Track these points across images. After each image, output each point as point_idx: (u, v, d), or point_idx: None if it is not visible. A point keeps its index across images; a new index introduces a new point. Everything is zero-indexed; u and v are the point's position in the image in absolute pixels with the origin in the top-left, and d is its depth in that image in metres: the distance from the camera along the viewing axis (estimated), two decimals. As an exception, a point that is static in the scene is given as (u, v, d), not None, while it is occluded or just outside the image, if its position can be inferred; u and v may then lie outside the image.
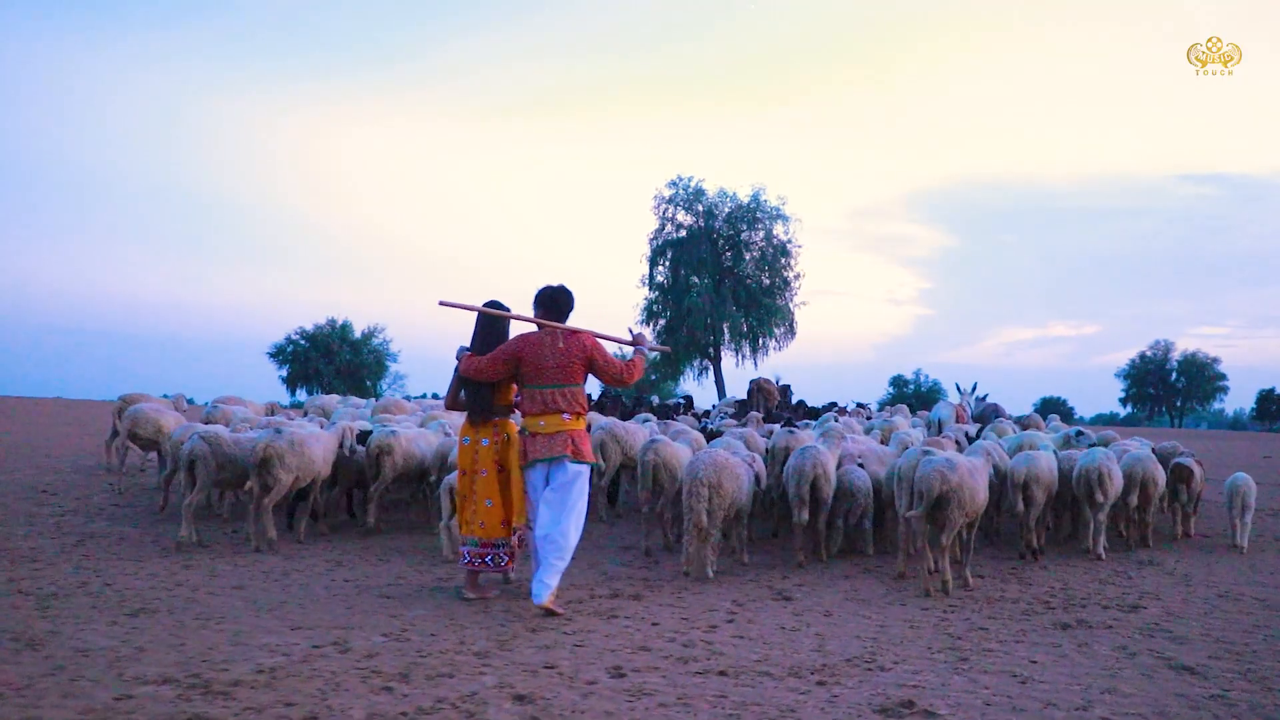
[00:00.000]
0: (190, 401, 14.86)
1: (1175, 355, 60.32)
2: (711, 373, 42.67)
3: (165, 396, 13.19)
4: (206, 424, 10.24)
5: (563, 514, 6.16)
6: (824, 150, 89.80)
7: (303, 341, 52.68)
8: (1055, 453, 9.35)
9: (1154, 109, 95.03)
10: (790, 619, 5.97)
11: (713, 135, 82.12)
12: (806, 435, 9.62)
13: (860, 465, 8.69)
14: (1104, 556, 8.49)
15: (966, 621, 5.99)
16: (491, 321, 6.57)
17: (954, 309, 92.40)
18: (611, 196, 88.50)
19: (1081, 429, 12.44)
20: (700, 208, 41.75)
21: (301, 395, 50.33)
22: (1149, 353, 60.78)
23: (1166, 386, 60.36)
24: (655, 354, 7.94)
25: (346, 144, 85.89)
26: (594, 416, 11.76)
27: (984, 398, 18.28)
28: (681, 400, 21.95)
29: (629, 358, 6.67)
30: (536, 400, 6.27)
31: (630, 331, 6.76)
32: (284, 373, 52.77)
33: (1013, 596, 6.79)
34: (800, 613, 6.15)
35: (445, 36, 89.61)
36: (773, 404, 22.35)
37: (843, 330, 77.33)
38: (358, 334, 53.86)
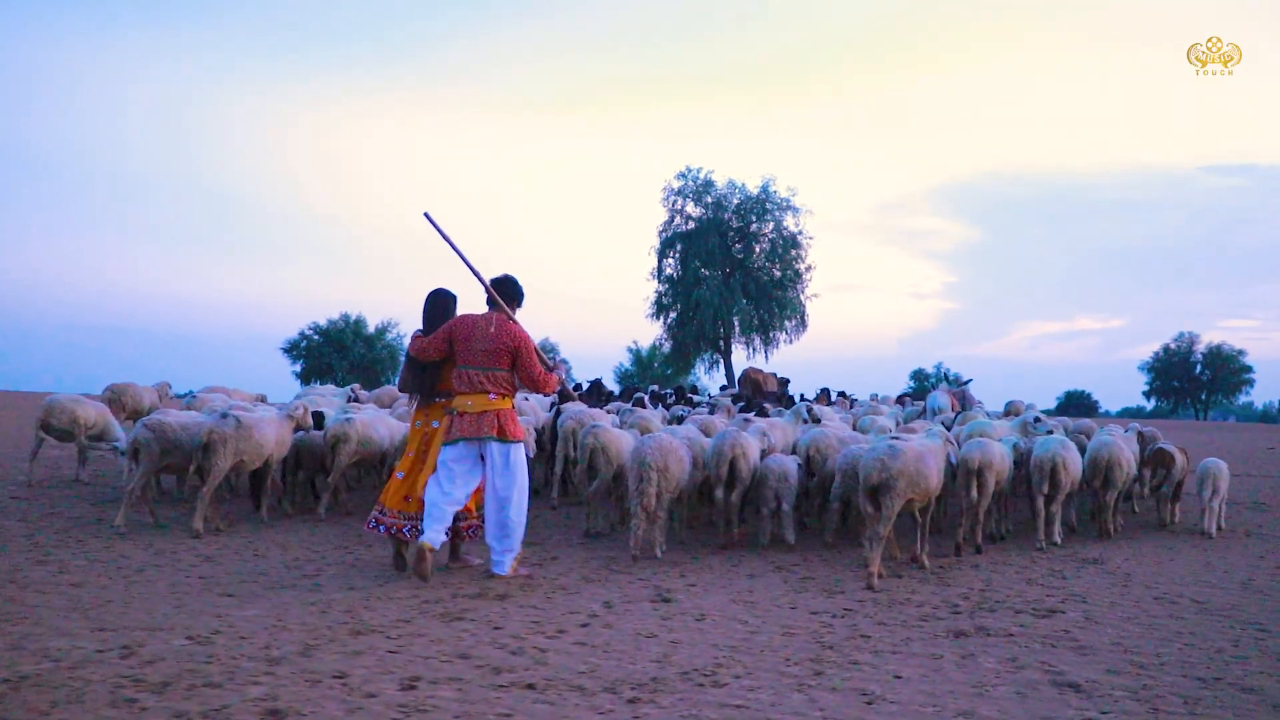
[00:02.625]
0: (191, 395, 14.63)
1: (1200, 348, 58.72)
2: (722, 365, 42.05)
3: (152, 385, 13.47)
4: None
5: (508, 495, 6.43)
6: (848, 145, 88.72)
7: (316, 337, 52.61)
8: (1018, 441, 9.14)
9: (1181, 100, 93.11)
10: (655, 624, 5.39)
11: (733, 131, 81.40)
12: (720, 420, 10.33)
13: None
14: (1059, 543, 8.38)
15: (851, 628, 5.37)
16: (437, 305, 6.91)
17: (979, 302, 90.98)
18: (627, 191, 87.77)
19: (1039, 416, 11.84)
20: (709, 199, 41.09)
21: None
22: (1173, 345, 59.24)
23: (1191, 379, 58.70)
24: (558, 384, 8.09)
25: (361, 139, 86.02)
26: (571, 407, 11.52)
27: (966, 383, 17.72)
28: (671, 391, 21.55)
29: (549, 374, 6.76)
30: (464, 380, 6.50)
31: (558, 360, 7.15)
32: (297, 368, 52.71)
33: (920, 599, 6.15)
34: (670, 617, 5.57)
35: (459, 33, 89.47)
36: (765, 391, 21.97)
37: (867, 325, 76.32)
38: (371, 329, 53.70)
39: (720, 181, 41.22)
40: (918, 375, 60.24)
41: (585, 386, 18.98)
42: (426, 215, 6.68)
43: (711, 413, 14.51)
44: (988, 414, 13.45)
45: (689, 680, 4.33)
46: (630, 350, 57.80)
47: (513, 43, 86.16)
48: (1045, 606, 5.98)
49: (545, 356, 6.82)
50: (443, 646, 4.79)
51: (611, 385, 23.05)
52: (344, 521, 8.90)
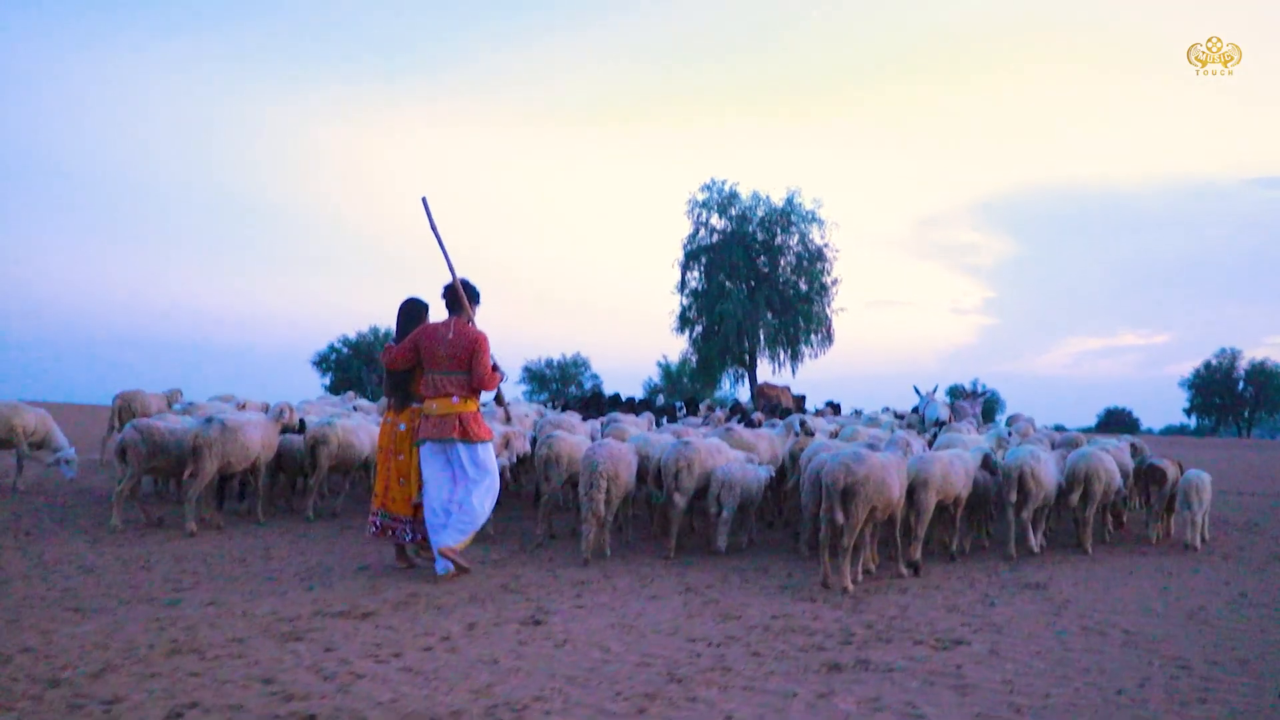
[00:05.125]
0: (189, 404, 14.65)
1: (1243, 364, 56.68)
2: (747, 380, 41.45)
3: (163, 392, 13.64)
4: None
5: (472, 487, 6.81)
6: (887, 159, 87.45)
7: (345, 350, 52.88)
8: (992, 453, 8.82)
9: (1228, 111, 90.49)
10: (506, 649, 4.95)
11: (768, 145, 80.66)
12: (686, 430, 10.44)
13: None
14: (1037, 551, 8.39)
15: (718, 659, 4.89)
16: (409, 315, 7.29)
17: (1019, 318, 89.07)
18: (658, 202, 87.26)
19: (1012, 429, 11.32)
20: (734, 212, 40.59)
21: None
22: (1214, 361, 57.29)
23: (1233, 396, 56.69)
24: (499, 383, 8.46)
25: (389, 150, 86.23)
26: (564, 417, 12.35)
27: (982, 395, 17.19)
28: (681, 403, 21.32)
29: (495, 373, 7.07)
30: (429, 384, 6.88)
31: (500, 367, 7.18)
32: (327, 381, 52.99)
33: (819, 626, 5.64)
34: (529, 641, 5.13)
35: (485, 45, 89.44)
36: (781, 404, 21.71)
37: (907, 340, 75.00)
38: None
39: (745, 194, 40.73)
40: (954, 392, 59.02)
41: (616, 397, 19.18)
42: (424, 201, 7.07)
43: (704, 424, 14.40)
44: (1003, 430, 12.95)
45: (491, 715, 3.91)
46: (660, 364, 57.38)
47: (540, 55, 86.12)
48: (952, 637, 5.44)
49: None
50: (254, 670, 4.42)
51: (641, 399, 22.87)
52: (273, 524, 8.62)
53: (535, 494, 10.11)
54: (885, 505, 6.84)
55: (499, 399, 9.72)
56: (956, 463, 7.96)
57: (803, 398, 24.03)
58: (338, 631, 5.20)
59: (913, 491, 7.45)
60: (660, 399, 23.50)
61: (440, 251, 7.04)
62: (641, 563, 7.62)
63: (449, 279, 7.05)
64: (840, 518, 6.58)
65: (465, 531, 6.83)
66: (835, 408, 19.69)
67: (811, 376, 40.76)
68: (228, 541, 8.03)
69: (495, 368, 7.04)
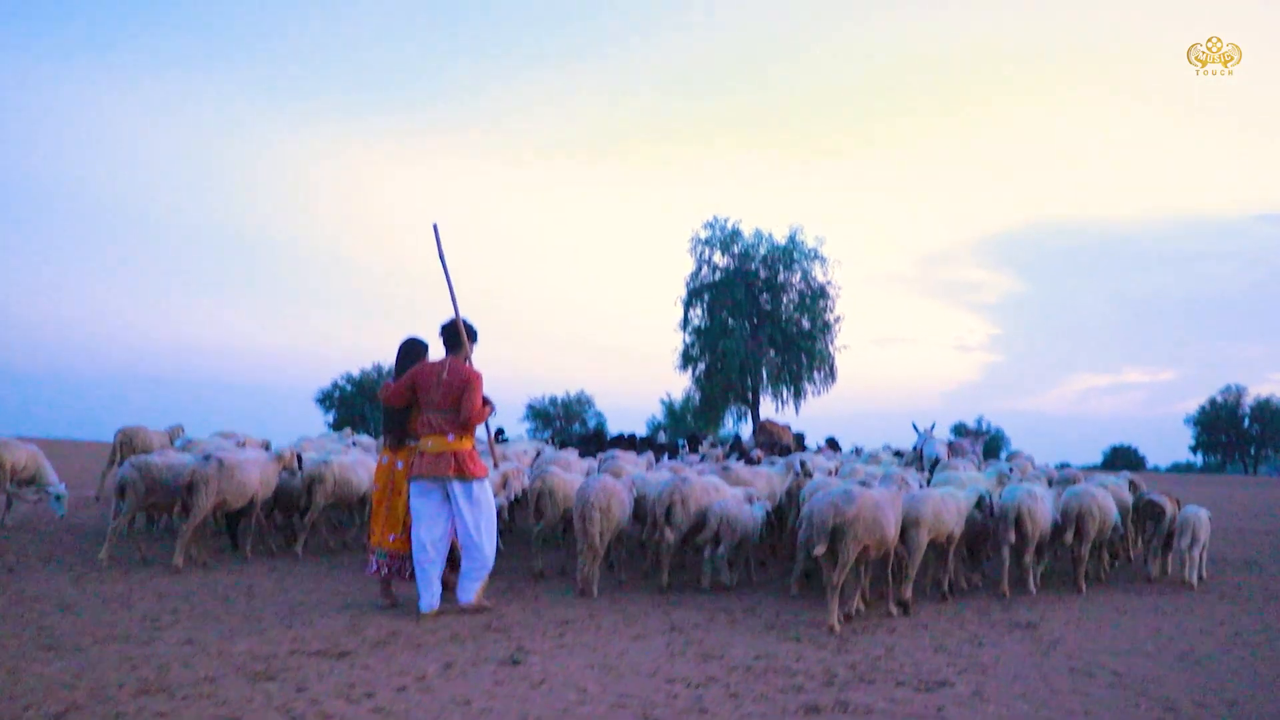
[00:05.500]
0: (187, 440, 14.62)
1: (1248, 400, 56.37)
2: (750, 417, 41.35)
3: (165, 429, 13.52)
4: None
5: (474, 528, 6.85)
6: (890, 196, 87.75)
7: (349, 387, 52.96)
8: (988, 494, 8.68)
9: (1230, 147, 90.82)
10: (481, 690, 4.88)
11: (770, 181, 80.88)
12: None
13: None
14: (1033, 591, 8.31)
15: (695, 700, 4.80)
16: (408, 354, 7.37)
17: (1024, 355, 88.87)
18: (660, 239, 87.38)
19: (1012, 466, 11.25)
20: (737, 249, 40.73)
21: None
22: (1220, 398, 56.98)
23: (1239, 433, 56.32)
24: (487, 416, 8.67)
25: (390, 186, 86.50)
26: (561, 454, 12.28)
27: (979, 434, 17.12)
28: (683, 440, 21.32)
29: (484, 408, 7.12)
30: (425, 423, 6.93)
31: (490, 400, 7.21)
32: (330, 418, 53.04)
33: (802, 667, 5.55)
34: (505, 681, 5.06)
35: (485, 80, 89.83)
36: (780, 443, 21.64)
37: (911, 378, 74.77)
38: (404, 379, 54.02)
39: (747, 232, 40.90)
40: (959, 430, 58.89)
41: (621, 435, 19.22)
42: (434, 228, 7.25)
43: (701, 460, 14.39)
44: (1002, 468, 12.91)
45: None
46: (663, 402, 57.37)
47: (540, 89, 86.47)
48: (936, 679, 5.35)
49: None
50: (222, 710, 4.37)
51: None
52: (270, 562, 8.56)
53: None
54: (878, 543, 6.79)
55: (496, 437, 9.74)
56: (948, 501, 7.90)
57: (801, 435, 23.98)
58: (312, 671, 5.13)
59: (905, 529, 7.38)
60: (661, 436, 23.42)
61: (445, 281, 7.22)
62: (629, 601, 7.54)
63: (451, 313, 7.16)
64: (822, 554, 6.52)
65: (479, 578, 6.98)
66: (834, 445, 19.63)
67: (815, 414, 40.72)
68: (212, 579, 7.97)
69: (486, 401, 7.09)
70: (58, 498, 10.48)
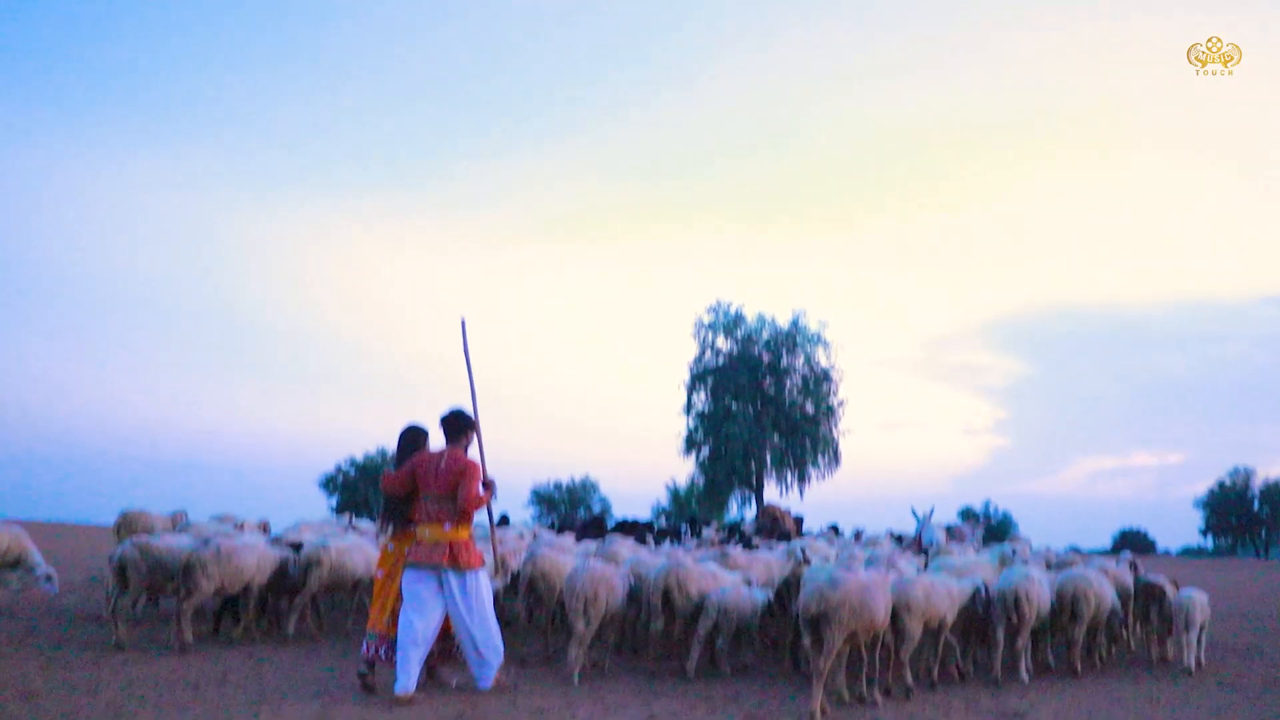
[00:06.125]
0: (187, 523, 14.61)
1: (1258, 482, 55.96)
2: (754, 502, 41.17)
3: (169, 513, 13.29)
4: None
5: (469, 619, 6.88)
6: (895, 279, 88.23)
7: (352, 471, 52.90)
8: (984, 586, 8.59)
9: (1234, 230, 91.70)
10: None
11: (778, 263, 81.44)
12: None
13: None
14: (1027, 679, 8.15)
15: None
16: (409, 442, 7.47)
17: (1032, 438, 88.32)
18: (662, 320, 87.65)
19: (1015, 548, 11.21)
20: (740, 334, 41.13)
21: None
22: (1228, 481, 56.60)
23: (1249, 516, 55.77)
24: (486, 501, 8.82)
25: (391, 267, 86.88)
26: (556, 539, 12.19)
27: (981, 520, 17.07)
28: (685, 525, 21.26)
29: (483, 494, 7.17)
30: (424, 511, 7.04)
31: (487, 480, 7.26)
32: (334, 502, 52.87)
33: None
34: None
35: (484, 158, 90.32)
36: (782, 528, 21.64)
37: (919, 462, 74.38)
38: (407, 464, 53.93)
39: (750, 316, 41.34)
40: (966, 514, 58.45)
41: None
42: (461, 323, 7.61)
43: (699, 546, 14.36)
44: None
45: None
46: (668, 487, 57.14)
47: (540, 168, 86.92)
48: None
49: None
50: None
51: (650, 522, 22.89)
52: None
53: (528, 614, 10.06)
54: (867, 629, 6.72)
55: (501, 522, 9.80)
56: (940, 585, 7.86)
57: (801, 520, 23.91)
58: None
59: (896, 615, 7.32)
60: (661, 521, 23.39)
61: (468, 376, 7.43)
62: (608, 690, 7.45)
63: (466, 404, 7.33)
64: (809, 642, 6.49)
65: (495, 665, 7.05)
66: (836, 531, 19.61)
67: (820, 498, 40.53)
68: (186, 663, 7.81)
69: (487, 484, 7.17)
70: (48, 577, 10.37)
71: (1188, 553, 57.37)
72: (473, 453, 7.32)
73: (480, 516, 7.50)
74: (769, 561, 10.39)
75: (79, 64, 78.45)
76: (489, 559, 9.15)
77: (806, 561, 10.45)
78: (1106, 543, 54.24)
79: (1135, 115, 79.68)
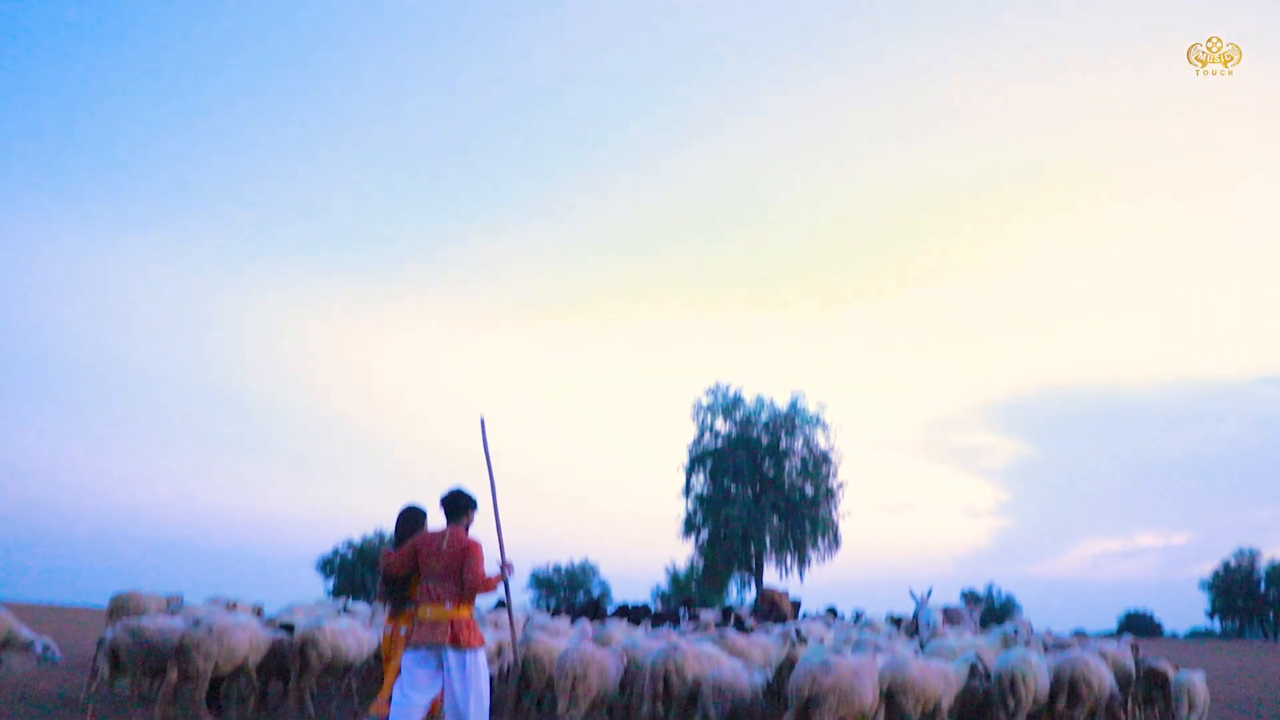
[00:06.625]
0: (181, 603, 14.53)
1: (1263, 564, 55.44)
2: (754, 585, 40.76)
3: (165, 595, 13.31)
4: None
5: (464, 699, 6.75)
6: (895, 360, 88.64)
7: (349, 554, 52.47)
8: (979, 661, 8.72)
9: (1230, 310, 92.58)
10: None
11: (777, 345, 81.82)
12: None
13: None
14: None
15: None
16: (408, 523, 7.59)
17: (1035, 520, 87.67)
18: (660, 401, 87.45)
19: (1016, 629, 11.17)
20: (739, 415, 41.22)
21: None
22: (1233, 563, 56.08)
23: (1255, 598, 55.13)
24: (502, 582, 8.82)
25: (385, 346, 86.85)
26: (550, 622, 12.49)
27: (978, 603, 17.03)
28: (683, 609, 21.18)
29: (491, 576, 7.16)
30: (425, 591, 6.98)
31: (505, 563, 7.34)
32: (331, 585, 52.33)
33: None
34: None
35: (478, 237, 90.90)
36: (780, 611, 21.59)
37: (921, 544, 73.78)
38: (405, 546, 53.55)
39: (749, 398, 41.51)
40: (968, 597, 57.75)
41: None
42: (481, 421, 7.67)
43: (695, 630, 14.35)
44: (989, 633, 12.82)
45: None
46: (668, 570, 56.64)
47: (534, 246, 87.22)
48: None
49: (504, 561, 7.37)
50: None
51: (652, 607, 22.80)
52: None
53: (516, 698, 9.98)
54: (855, 713, 6.68)
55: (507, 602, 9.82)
56: (933, 667, 7.88)
57: (798, 603, 23.79)
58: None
59: (891, 697, 7.34)
60: (659, 605, 23.24)
61: (488, 475, 7.48)
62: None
63: (486, 499, 7.35)
64: None
65: None
66: (834, 613, 19.56)
67: (820, 581, 40.15)
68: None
69: (505, 566, 7.26)
70: (45, 648, 10.26)
71: (1195, 635, 56.55)
72: (474, 532, 7.38)
73: (487, 599, 7.53)
74: (765, 644, 10.39)
75: (68, 146, 79.96)
76: (507, 640, 9.18)
77: (803, 642, 10.45)
78: (1112, 625, 53.62)
79: (1132, 198, 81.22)
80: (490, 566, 7.11)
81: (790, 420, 40.83)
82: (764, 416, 41.12)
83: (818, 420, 40.93)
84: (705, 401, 41.48)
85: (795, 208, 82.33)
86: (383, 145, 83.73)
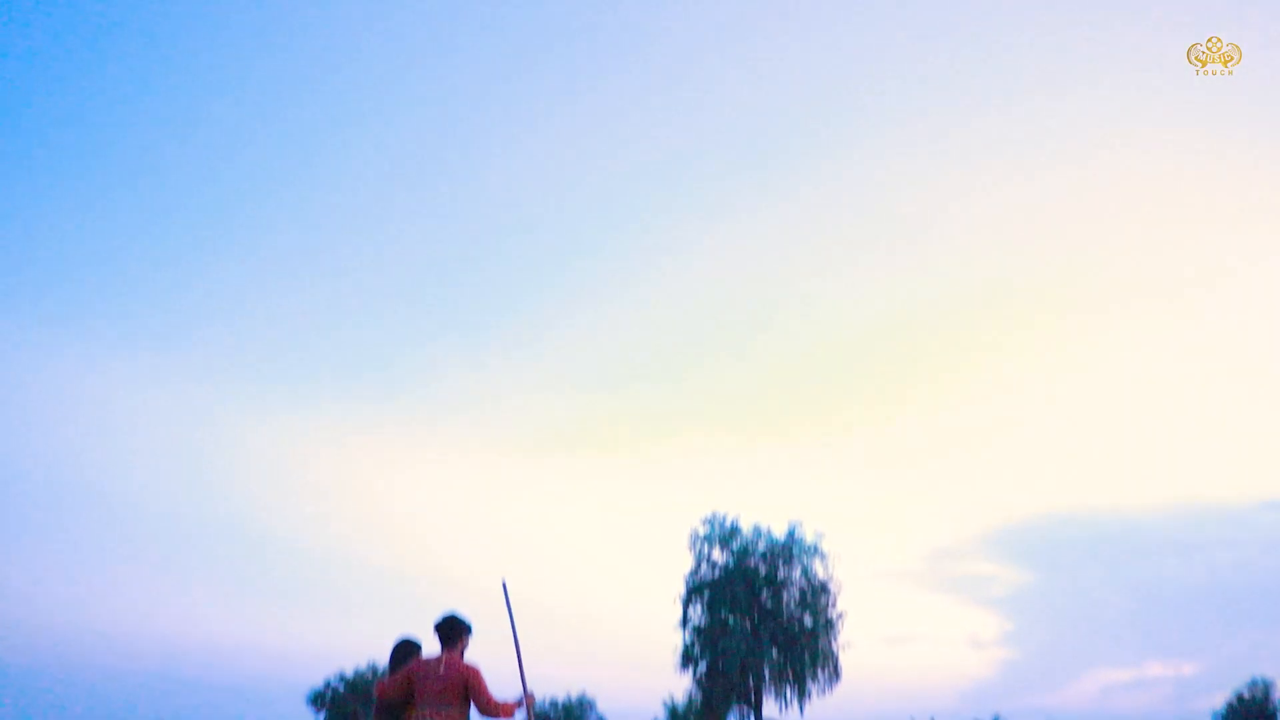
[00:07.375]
0: None
1: (1277, 694, 53.83)
2: (752, 719, 39.93)
3: None
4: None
5: None
6: (894, 489, 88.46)
7: (341, 687, 51.43)
8: None
9: (1232, 434, 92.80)
10: None
11: (771, 474, 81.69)
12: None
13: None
14: None
15: None
16: (402, 654, 7.61)
17: (1041, 650, 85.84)
18: (656, 533, 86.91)
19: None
20: (736, 545, 41.08)
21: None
22: (1246, 694, 54.60)
23: (1272, 729, 53.52)
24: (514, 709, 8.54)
25: (380, 478, 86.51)
26: None
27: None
28: None
29: (508, 700, 7.28)
30: (422, 718, 6.98)
31: (525, 691, 7.44)
32: (321, 718, 51.18)
33: None
34: None
35: (475, 368, 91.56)
36: None
37: (924, 676, 72.26)
38: (399, 679, 52.54)
39: (746, 527, 41.45)
40: (975, 732, 56.29)
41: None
42: (503, 585, 7.75)
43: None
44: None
45: None
46: (665, 705, 55.41)
47: (533, 379, 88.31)
48: None
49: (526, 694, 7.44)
50: None
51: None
52: None
53: None
54: None
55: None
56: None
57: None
58: None
59: None
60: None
61: (513, 637, 7.58)
62: None
63: (512, 661, 7.52)
64: None
65: None
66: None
67: (821, 715, 39.34)
68: None
69: (529, 697, 7.34)
70: None
71: (1212, 773, 54.79)
72: (469, 657, 7.39)
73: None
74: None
75: (63, 267, 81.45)
76: None
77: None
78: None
79: (1130, 318, 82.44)
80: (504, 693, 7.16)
81: (788, 550, 40.68)
82: (761, 546, 40.97)
83: (815, 550, 40.82)
84: (702, 531, 41.43)
85: (790, 334, 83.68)
86: (373, 269, 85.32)
